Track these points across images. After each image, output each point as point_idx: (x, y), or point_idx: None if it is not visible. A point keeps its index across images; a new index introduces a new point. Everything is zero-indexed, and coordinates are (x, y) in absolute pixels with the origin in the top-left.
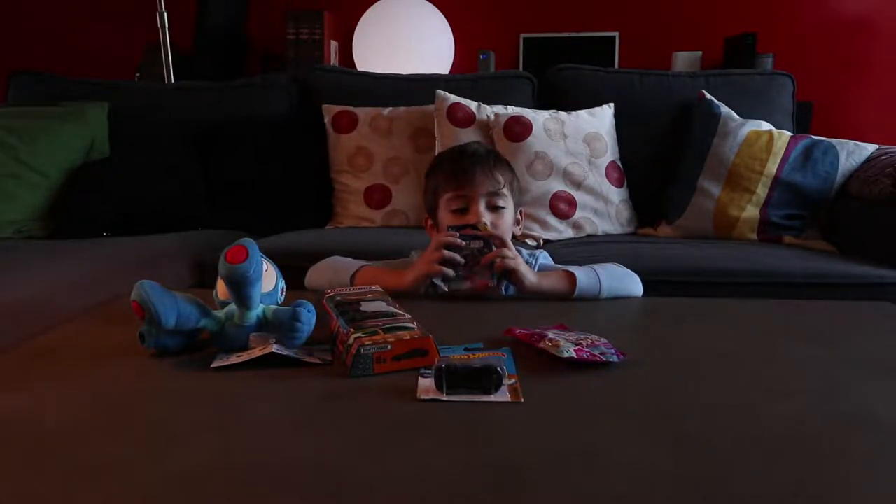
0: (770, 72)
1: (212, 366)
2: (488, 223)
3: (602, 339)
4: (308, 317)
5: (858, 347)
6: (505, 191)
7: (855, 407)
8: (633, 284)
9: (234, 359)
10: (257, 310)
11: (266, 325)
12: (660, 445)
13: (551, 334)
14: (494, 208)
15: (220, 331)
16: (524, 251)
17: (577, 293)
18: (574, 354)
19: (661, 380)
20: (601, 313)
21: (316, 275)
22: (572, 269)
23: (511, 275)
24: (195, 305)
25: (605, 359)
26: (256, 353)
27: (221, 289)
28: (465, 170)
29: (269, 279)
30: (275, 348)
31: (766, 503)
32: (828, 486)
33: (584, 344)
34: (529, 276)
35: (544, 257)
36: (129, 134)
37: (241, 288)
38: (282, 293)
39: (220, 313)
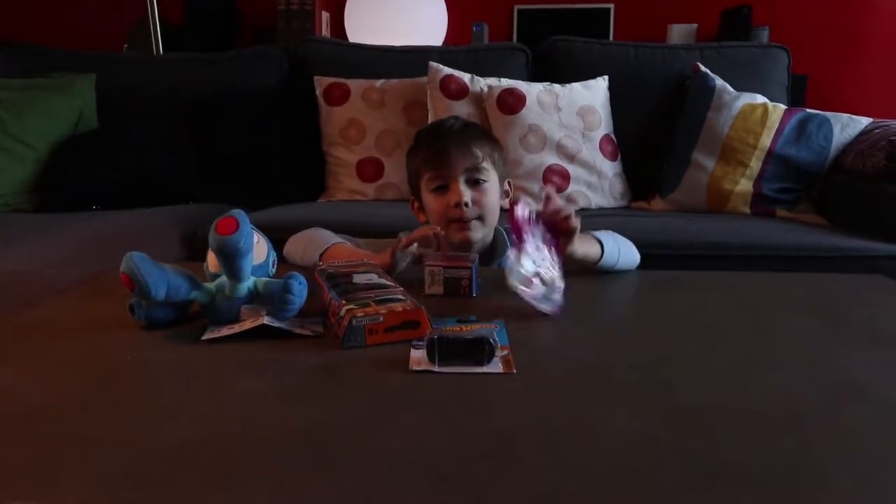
0: (765, 45)
1: (202, 338)
2: (469, 201)
3: (561, 285)
4: (300, 289)
5: (850, 320)
6: (485, 164)
7: (847, 378)
8: (636, 256)
9: (225, 331)
10: (248, 282)
11: (257, 298)
12: (652, 416)
13: (536, 241)
14: (475, 183)
15: (211, 303)
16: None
17: (600, 265)
18: (518, 290)
19: (654, 352)
20: (594, 283)
21: (291, 246)
22: (598, 234)
23: (570, 234)
24: (185, 277)
25: (538, 306)
26: (248, 325)
27: (212, 261)
28: (441, 149)
29: (260, 251)
30: (266, 320)
31: (758, 473)
32: (819, 457)
33: (538, 280)
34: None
35: None
36: (117, 106)
37: (231, 259)
38: (273, 265)
39: (210, 285)
